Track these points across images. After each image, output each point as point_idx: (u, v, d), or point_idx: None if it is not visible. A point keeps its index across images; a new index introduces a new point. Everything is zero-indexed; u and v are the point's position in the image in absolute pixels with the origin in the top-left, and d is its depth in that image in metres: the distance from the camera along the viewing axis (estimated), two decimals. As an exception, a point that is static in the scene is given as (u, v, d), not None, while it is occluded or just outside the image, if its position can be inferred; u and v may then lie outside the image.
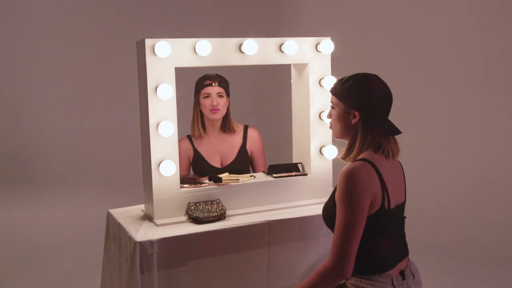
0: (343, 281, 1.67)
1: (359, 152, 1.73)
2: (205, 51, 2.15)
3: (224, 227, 2.09)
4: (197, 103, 2.71)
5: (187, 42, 2.15)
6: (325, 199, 1.91)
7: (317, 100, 2.40)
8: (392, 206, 1.71)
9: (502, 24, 4.89)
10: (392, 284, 1.70)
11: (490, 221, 4.50)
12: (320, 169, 2.44)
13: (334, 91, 1.78)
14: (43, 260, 3.96)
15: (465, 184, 5.00)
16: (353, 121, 1.72)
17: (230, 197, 2.28)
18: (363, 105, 1.68)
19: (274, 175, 2.40)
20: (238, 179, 2.34)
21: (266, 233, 2.14)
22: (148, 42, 2.07)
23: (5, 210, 5.48)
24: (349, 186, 1.61)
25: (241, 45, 2.23)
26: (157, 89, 2.09)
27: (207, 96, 2.66)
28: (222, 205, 2.21)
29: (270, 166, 2.45)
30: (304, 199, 2.40)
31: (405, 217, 1.84)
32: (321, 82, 2.40)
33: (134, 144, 5.54)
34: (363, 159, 1.67)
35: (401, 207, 1.79)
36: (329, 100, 1.87)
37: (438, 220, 4.63)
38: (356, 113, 1.71)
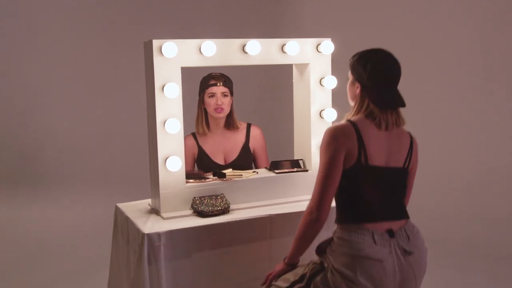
0: (320, 226, 1.81)
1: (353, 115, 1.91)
2: (210, 52, 2.22)
3: (228, 220, 2.16)
4: (201, 101, 2.75)
5: (192, 42, 2.22)
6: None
7: (317, 99, 2.46)
8: (375, 163, 1.81)
9: (502, 24, 4.90)
10: (373, 238, 1.78)
11: (489, 220, 4.53)
12: (321, 166, 2.50)
13: (349, 64, 1.97)
14: (44, 259, 3.96)
15: (465, 183, 5.00)
16: (357, 91, 1.90)
17: (233, 192, 2.34)
18: (361, 76, 1.86)
19: (276, 171, 2.47)
20: (242, 175, 2.41)
21: (268, 226, 2.21)
22: (156, 43, 2.14)
23: (9, 209, 5.47)
24: (326, 140, 1.83)
25: (244, 45, 2.29)
26: (164, 88, 2.16)
27: (212, 95, 2.71)
28: (226, 200, 2.28)
29: (272, 162, 2.52)
30: (305, 194, 2.44)
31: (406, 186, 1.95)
32: (321, 82, 2.46)
33: (137, 143, 5.59)
34: (348, 120, 1.86)
35: (394, 170, 1.87)
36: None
37: (438, 218, 4.64)
38: (358, 83, 1.88)
